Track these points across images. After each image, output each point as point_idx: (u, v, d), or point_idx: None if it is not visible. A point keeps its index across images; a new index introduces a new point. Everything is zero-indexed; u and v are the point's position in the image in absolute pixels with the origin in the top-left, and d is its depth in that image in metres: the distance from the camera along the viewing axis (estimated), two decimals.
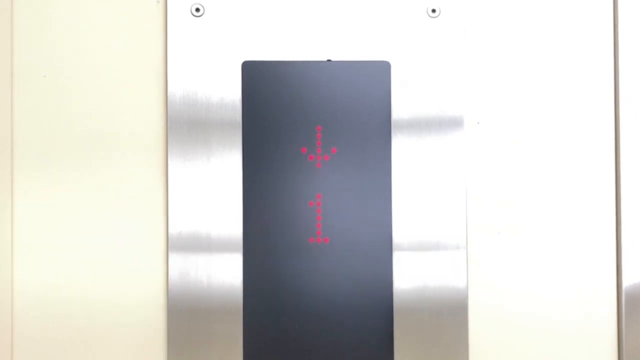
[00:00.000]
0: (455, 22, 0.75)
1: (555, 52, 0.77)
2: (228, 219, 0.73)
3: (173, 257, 0.73)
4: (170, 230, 0.73)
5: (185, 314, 0.73)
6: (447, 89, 0.75)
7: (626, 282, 0.76)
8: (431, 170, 0.74)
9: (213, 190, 0.74)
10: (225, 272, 0.73)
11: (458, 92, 0.75)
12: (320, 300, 0.74)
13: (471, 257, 0.75)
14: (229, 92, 0.74)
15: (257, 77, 0.73)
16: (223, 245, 0.73)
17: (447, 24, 0.75)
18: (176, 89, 0.73)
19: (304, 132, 0.73)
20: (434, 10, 0.74)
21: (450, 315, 0.74)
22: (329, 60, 0.74)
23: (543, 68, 0.76)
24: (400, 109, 0.74)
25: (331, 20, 0.74)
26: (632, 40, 0.76)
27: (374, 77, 0.74)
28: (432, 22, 0.75)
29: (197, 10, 0.74)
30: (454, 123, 0.75)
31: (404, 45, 0.74)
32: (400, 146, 0.74)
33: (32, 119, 0.74)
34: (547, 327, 0.76)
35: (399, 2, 0.75)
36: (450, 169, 0.75)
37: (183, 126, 0.73)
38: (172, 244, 0.73)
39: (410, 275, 0.74)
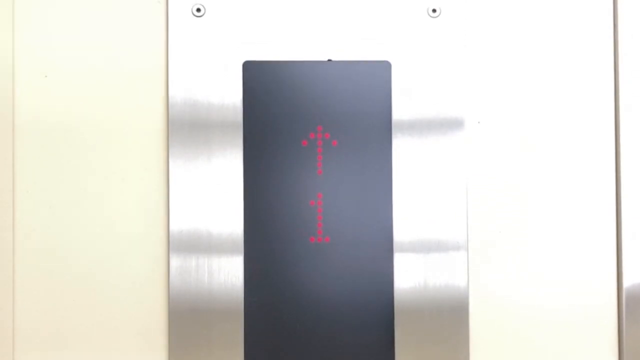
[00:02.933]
0: (455, 22, 0.75)
1: (555, 52, 0.77)
2: (229, 219, 0.73)
3: (174, 257, 0.73)
4: (171, 230, 0.73)
5: (186, 314, 0.73)
6: (448, 88, 0.75)
7: (626, 282, 0.76)
8: (432, 170, 0.74)
9: (214, 190, 0.74)
10: (226, 272, 0.73)
11: (459, 92, 0.75)
12: (321, 299, 0.74)
13: (472, 256, 0.75)
14: (230, 92, 0.74)
15: (258, 77, 0.73)
16: (224, 245, 0.74)
17: (448, 23, 0.75)
18: (177, 89, 0.74)
19: (304, 132, 0.73)
20: (434, 10, 0.75)
21: (451, 315, 0.74)
22: (329, 60, 0.74)
23: (543, 68, 0.77)
24: (401, 109, 0.74)
25: (332, 20, 0.75)
26: (632, 39, 0.76)
27: (375, 77, 0.74)
28: (433, 22, 0.75)
29: (198, 10, 0.74)
30: (455, 123, 0.75)
31: (404, 45, 0.74)
32: (401, 146, 0.74)
33: (32, 119, 0.74)
34: (547, 327, 0.76)
35: (399, 2, 0.75)
36: (450, 169, 0.75)
37: (184, 126, 0.73)
38: (173, 244, 0.73)
39: (411, 275, 0.74)
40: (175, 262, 0.73)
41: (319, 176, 0.74)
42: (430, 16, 0.75)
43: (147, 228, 0.74)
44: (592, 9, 0.77)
